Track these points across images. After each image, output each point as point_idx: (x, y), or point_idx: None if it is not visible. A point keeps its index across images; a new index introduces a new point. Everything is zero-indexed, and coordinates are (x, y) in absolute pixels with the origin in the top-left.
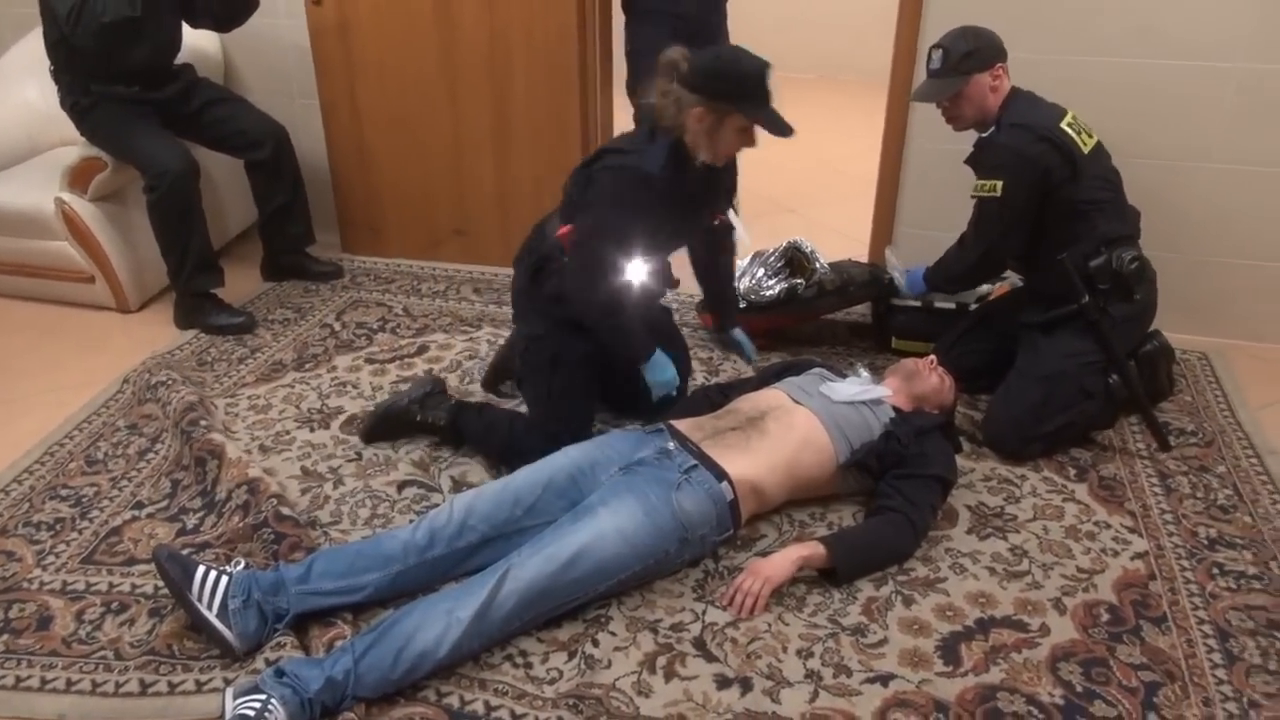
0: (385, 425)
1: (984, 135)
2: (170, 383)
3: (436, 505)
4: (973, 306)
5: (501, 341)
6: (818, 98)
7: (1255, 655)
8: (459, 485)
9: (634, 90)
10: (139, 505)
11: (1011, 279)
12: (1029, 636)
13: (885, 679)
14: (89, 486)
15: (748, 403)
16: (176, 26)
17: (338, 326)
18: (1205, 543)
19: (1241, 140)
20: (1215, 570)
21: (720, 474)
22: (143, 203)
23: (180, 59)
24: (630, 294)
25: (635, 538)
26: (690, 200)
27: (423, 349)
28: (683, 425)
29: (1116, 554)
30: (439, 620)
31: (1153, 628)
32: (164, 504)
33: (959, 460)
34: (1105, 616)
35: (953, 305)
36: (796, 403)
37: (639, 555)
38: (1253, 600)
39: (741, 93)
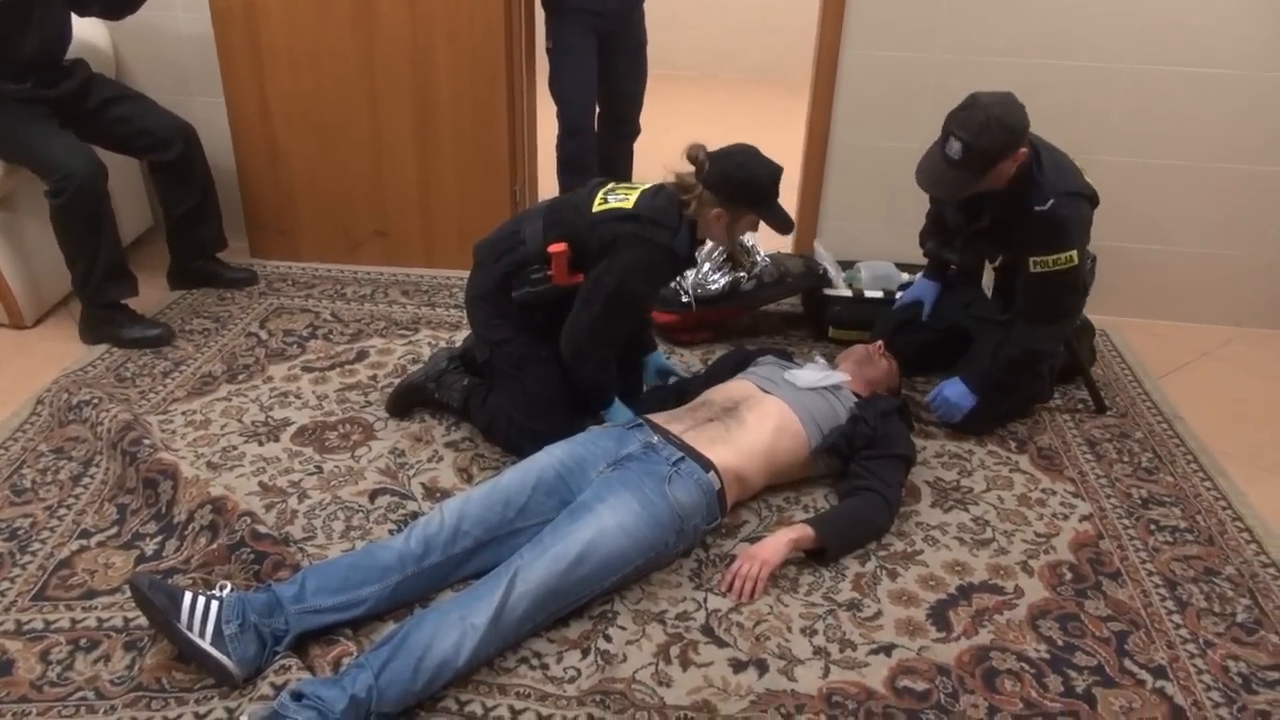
0: (406, 400)
1: (1040, 209)
2: (96, 402)
3: (412, 513)
4: (898, 295)
5: (442, 344)
6: (739, 96)
7: (1201, 600)
8: (431, 491)
9: (556, 90)
10: (85, 534)
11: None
12: (1006, 599)
13: (888, 649)
14: (23, 518)
15: (719, 394)
16: (64, 14)
17: (264, 335)
18: (1139, 502)
19: (1131, 135)
20: (1153, 526)
21: (706, 464)
22: (35, 209)
23: (70, 53)
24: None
25: (636, 532)
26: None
27: (362, 354)
28: (659, 419)
29: (1066, 517)
30: (454, 628)
31: (1111, 582)
32: (113, 531)
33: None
34: (1068, 575)
35: (880, 294)
36: (766, 392)
37: (641, 549)
38: (1189, 551)
39: (757, 199)
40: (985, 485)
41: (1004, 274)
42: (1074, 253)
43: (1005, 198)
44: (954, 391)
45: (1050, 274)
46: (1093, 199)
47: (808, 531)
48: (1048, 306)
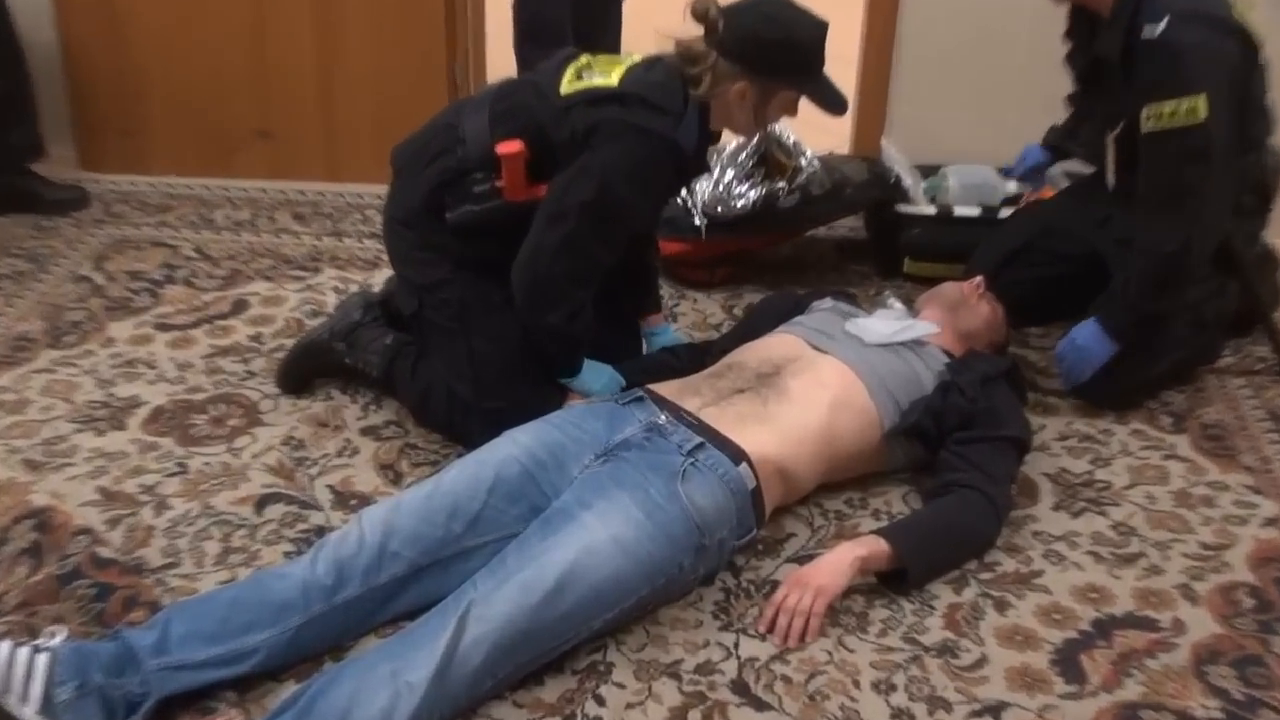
0: (304, 368)
1: (1150, 35)
2: None
3: (317, 528)
4: (1003, 213)
5: (354, 289)
6: None
7: None
8: (343, 498)
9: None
10: None
11: (1058, 176)
12: (1161, 637)
13: (996, 710)
14: None
15: (754, 354)
16: None
17: (101, 280)
18: None
19: None
20: None
21: (736, 454)
22: None
23: None
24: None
25: (639, 550)
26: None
27: (240, 305)
28: (668, 390)
29: (1243, 521)
30: (382, 688)
31: None
32: None
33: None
34: (1248, 602)
35: (977, 210)
36: (819, 350)
37: (646, 573)
38: None
39: (794, 65)
40: (1129, 479)
41: (1127, 165)
42: (1198, 101)
43: (1111, 27)
44: (1087, 335)
45: (1166, 132)
46: (1240, 34)
47: (880, 546)
48: (1165, 184)
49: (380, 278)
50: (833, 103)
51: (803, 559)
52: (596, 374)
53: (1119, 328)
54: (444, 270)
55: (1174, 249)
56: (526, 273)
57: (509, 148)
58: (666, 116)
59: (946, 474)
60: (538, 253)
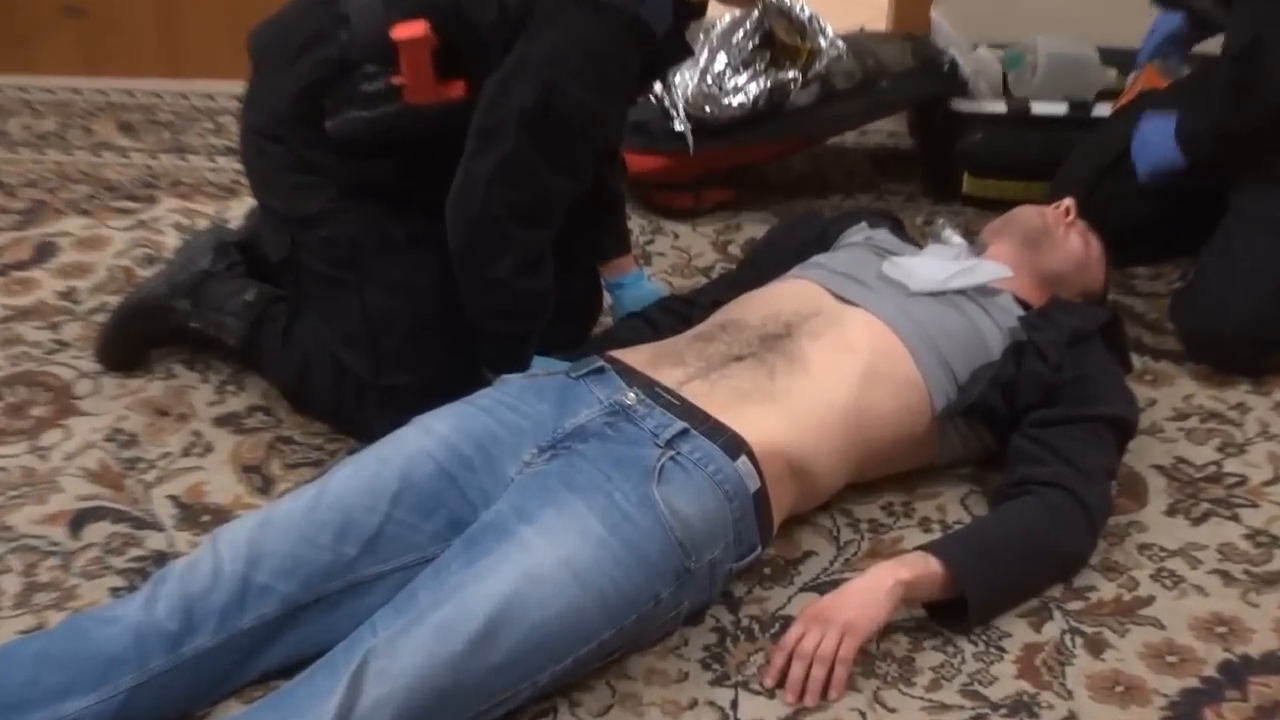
0: (135, 335)
1: None
2: None
3: (156, 554)
4: (1097, 111)
5: (203, 226)
6: None
7: None
8: (191, 512)
9: None
10: None
11: (1168, 63)
12: None
13: None
14: None
15: (755, 308)
16: None
17: None
18: None
19: None
20: None
21: (733, 444)
22: None
23: None
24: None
25: (599, 577)
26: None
27: (45, 251)
28: (638, 359)
29: None
30: None
31: None
32: None
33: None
34: None
35: (1064, 108)
36: (846, 302)
37: (609, 609)
38: None
39: None
40: (1272, 471)
41: None
42: None
43: None
44: (1157, 127)
45: None
46: None
47: (930, 567)
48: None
49: (240, 211)
50: None
51: (825, 586)
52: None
53: (1190, 131)
54: (325, 198)
55: (1245, 45)
56: (458, 210)
57: (409, 31)
58: None
59: (1021, 468)
60: (470, 182)
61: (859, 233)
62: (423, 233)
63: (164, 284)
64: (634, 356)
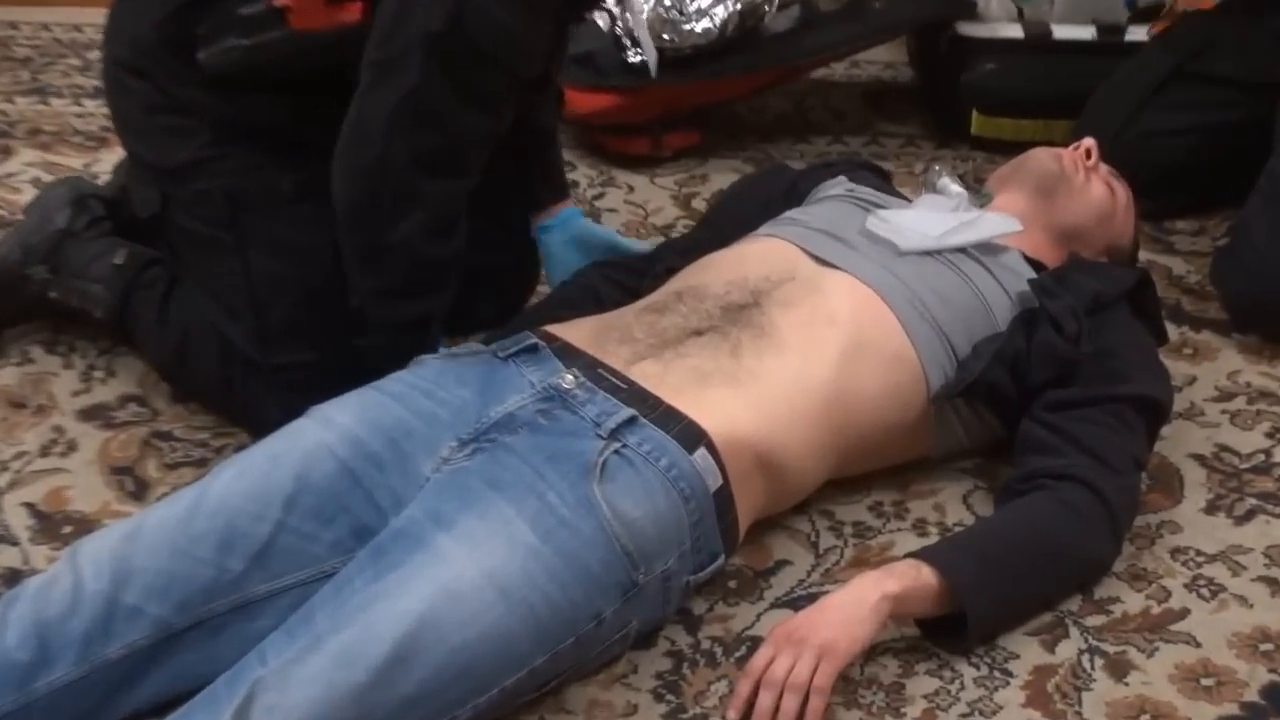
0: None
1: None
2: None
3: (5, 570)
4: (1131, 35)
5: (62, 178)
6: None
7: None
8: (51, 523)
9: None
10: None
11: None
12: None
13: None
14: None
15: (718, 272)
16: None
17: None
18: None
19: None
20: None
21: (690, 434)
22: None
23: None
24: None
25: (530, 593)
26: None
27: None
28: (578, 335)
29: None
30: None
31: None
32: None
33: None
34: None
35: (1090, 33)
36: (825, 264)
37: (542, 631)
38: None
39: None
40: None
41: None
42: None
43: None
44: None
45: None
46: None
47: (923, 578)
48: None
49: (111, 163)
50: None
51: (801, 602)
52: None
53: None
54: (197, 144)
55: None
56: (350, 158)
57: None
58: None
59: (1032, 459)
60: (364, 123)
61: (837, 185)
62: (313, 183)
63: (15, 248)
64: (573, 332)
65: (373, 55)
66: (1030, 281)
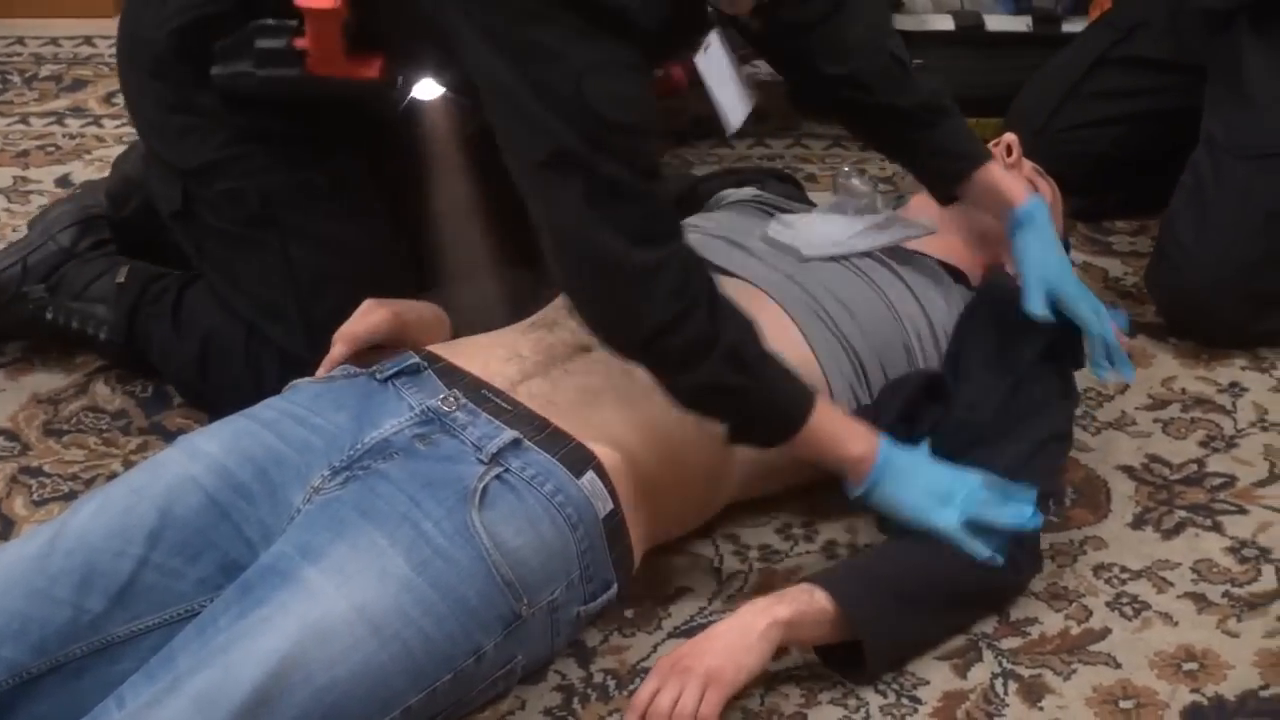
0: None
1: None
2: None
3: None
4: (1068, 26)
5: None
6: None
7: None
8: None
9: None
10: None
11: None
12: None
13: None
14: None
15: None
16: None
17: None
18: None
19: None
20: None
21: (578, 456)
22: None
23: None
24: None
25: (403, 628)
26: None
27: None
28: (462, 353)
29: None
30: None
31: None
32: None
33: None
34: None
35: (1026, 24)
36: (722, 272)
37: (417, 668)
38: None
39: None
40: (1267, 468)
41: None
42: None
43: None
44: None
45: None
46: None
47: (817, 603)
48: None
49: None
50: None
51: (700, 629)
52: (912, 467)
53: None
54: (218, 144)
55: None
56: (568, 267)
57: None
58: None
59: None
60: (560, 235)
61: (744, 192)
62: (345, 173)
63: (16, 265)
64: (458, 350)
65: (511, 164)
66: (947, 358)
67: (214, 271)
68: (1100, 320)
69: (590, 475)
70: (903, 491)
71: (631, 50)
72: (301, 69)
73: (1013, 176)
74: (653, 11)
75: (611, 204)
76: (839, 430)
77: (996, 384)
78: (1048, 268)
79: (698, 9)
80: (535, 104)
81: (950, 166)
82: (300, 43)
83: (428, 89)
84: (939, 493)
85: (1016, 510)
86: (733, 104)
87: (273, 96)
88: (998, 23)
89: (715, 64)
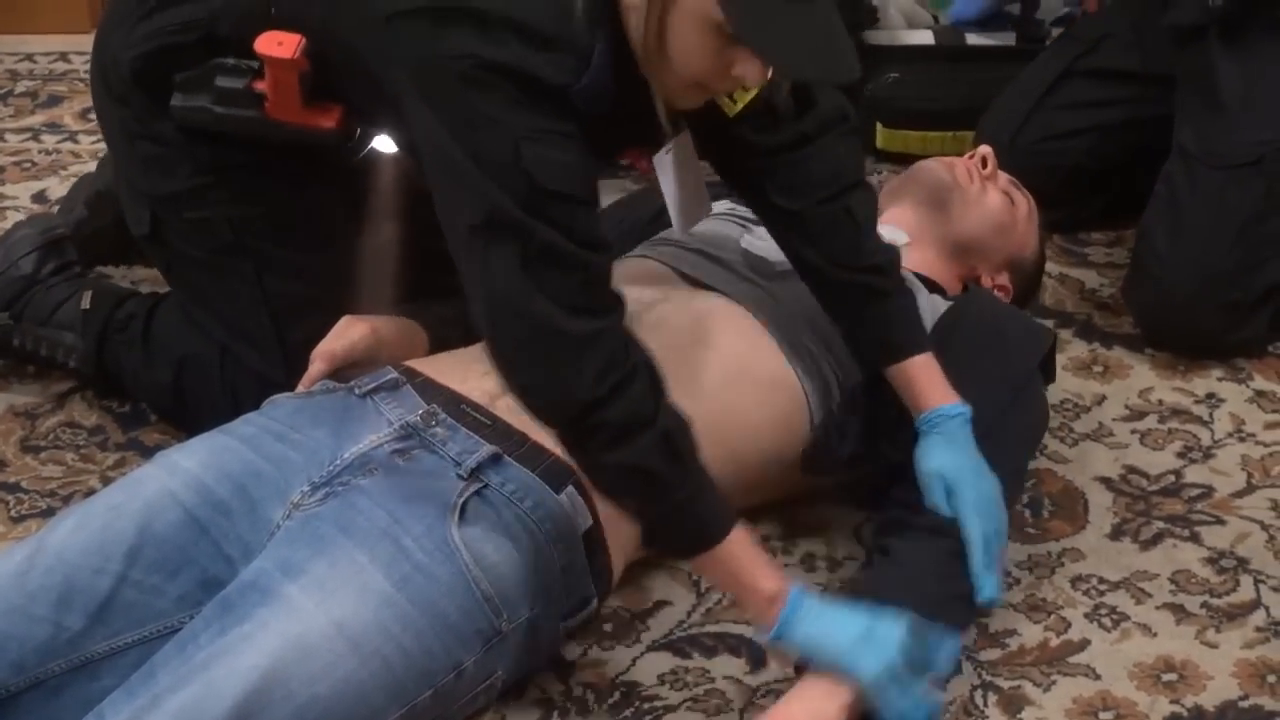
0: None
1: None
2: None
3: None
4: (1054, 34)
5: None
6: None
7: None
8: None
9: None
10: None
11: None
12: None
13: None
14: None
15: None
16: None
17: None
18: None
19: None
20: None
21: (557, 470)
22: None
23: None
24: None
25: (383, 644)
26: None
27: None
28: (441, 367)
29: None
30: None
31: None
32: None
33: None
34: None
35: (1010, 39)
36: (698, 285)
37: (397, 684)
38: None
39: None
40: (1245, 478)
41: None
42: None
43: None
44: None
45: None
46: None
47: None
48: None
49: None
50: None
51: (680, 643)
52: (827, 611)
53: None
54: (184, 175)
55: None
56: (500, 333)
57: (276, 48)
58: (560, 47)
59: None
60: (493, 300)
61: (719, 204)
62: (316, 205)
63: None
64: (437, 365)
65: (451, 240)
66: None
67: (185, 292)
68: (986, 540)
69: (570, 490)
70: (822, 637)
71: (571, 124)
72: (260, 111)
73: (940, 380)
74: (593, 100)
75: (546, 271)
76: (755, 562)
77: (968, 398)
78: (953, 470)
79: (645, 105)
80: (473, 167)
81: (877, 351)
82: (260, 85)
83: (386, 143)
84: (860, 637)
85: (950, 650)
86: (687, 209)
87: (230, 134)
88: (979, 38)
89: (676, 166)
